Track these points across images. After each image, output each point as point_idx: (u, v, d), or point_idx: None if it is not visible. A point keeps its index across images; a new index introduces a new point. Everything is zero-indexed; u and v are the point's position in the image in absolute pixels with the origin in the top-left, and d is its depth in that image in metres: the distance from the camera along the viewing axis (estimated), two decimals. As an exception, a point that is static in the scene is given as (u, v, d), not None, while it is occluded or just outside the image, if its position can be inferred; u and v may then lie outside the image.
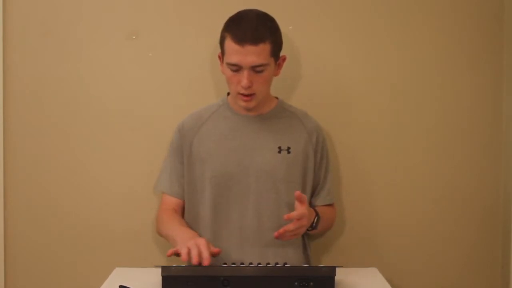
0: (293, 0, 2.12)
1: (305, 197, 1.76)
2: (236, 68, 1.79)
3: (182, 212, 1.99)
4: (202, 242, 1.65)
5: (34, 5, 2.10)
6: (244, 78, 1.78)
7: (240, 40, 1.76)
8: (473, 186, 2.17)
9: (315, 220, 1.85)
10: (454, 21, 2.14)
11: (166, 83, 2.13)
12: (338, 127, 2.12)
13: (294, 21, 2.10)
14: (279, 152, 1.90)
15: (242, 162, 1.88)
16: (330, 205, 2.01)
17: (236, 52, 1.77)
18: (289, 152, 1.90)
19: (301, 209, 1.71)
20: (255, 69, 1.78)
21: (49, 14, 2.11)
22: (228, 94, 1.98)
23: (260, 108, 1.93)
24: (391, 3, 2.13)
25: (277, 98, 2.00)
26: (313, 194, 1.98)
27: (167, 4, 2.12)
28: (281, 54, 1.88)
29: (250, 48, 1.76)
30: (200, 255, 1.60)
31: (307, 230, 1.84)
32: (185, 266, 1.57)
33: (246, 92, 1.81)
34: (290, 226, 1.70)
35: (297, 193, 1.72)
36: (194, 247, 1.62)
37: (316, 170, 1.96)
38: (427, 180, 2.16)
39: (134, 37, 2.11)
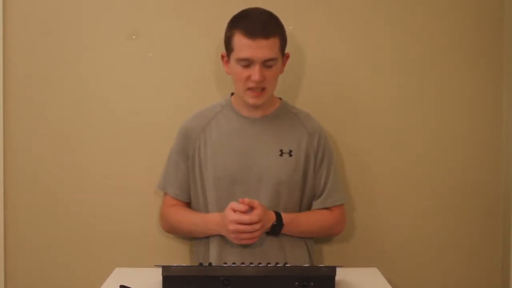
0: (293, 0, 2.12)
1: (252, 202, 1.77)
2: (247, 63, 1.79)
3: None
4: (232, 218, 1.76)
5: (34, 5, 2.10)
6: (256, 72, 1.78)
7: (252, 34, 1.76)
8: (473, 186, 2.17)
9: (273, 225, 1.84)
10: (454, 21, 2.15)
11: (166, 83, 2.13)
12: (338, 127, 2.12)
13: (294, 21, 2.10)
14: (281, 155, 1.90)
15: (245, 164, 1.88)
16: (333, 207, 1.98)
17: (248, 47, 1.76)
18: (290, 155, 1.90)
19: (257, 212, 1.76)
20: (266, 63, 1.79)
21: (49, 14, 2.11)
22: (232, 94, 1.98)
23: (264, 109, 1.93)
24: (391, 3, 2.13)
25: (280, 99, 2.00)
26: (314, 196, 1.97)
27: (167, 4, 2.12)
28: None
29: (261, 42, 1.76)
30: (246, 229, 1.75)
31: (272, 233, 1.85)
32: (186, 266, 1.57)
33: (257, 86, 1.81)
34: (245, 229, 1.76)
35: (240, 200, 1.77)
36: (237, 232, 1.76)
37: (316, 172, 1.95)
38: (428, 180, 2.16)
39: (134, 37, 2.11)
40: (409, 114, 2.15)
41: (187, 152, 1.95)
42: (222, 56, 1.90)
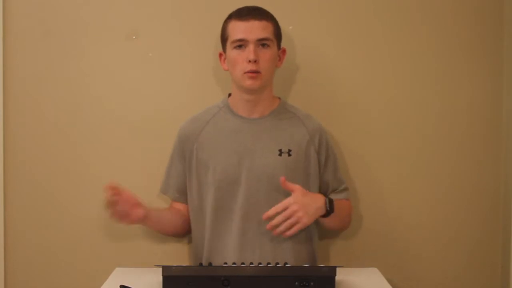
0: (293, 0, 2.12)
1: (290, 185, 1.78)
2: (241, 44, 1.82)
3: (186, 213, 2.00)
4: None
5: (34, 5, 2.10)
6: (250, 52, 1.81)
7: (245, 16, 1.82)
8: (473, 186, 2.17)
9: (327, 204, 1.83)
10: (454, 21, 2.14)
11: (166, 83, 2.12)
12: (338, 127, 2.12)
13: (293, 21, 2.10)
14: (280, 154, 1.89)
15: (244, 165, 1.88)
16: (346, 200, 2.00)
17: (241, 28, 1.82)
18: (289, 155, 1.90)
19: (289, 198, 1.75)
20: (261, 42, 1.82)
21: (49, 14, 2.11)
22: (229, 95, 1.98)
23: (262, 109, 1.93)
24: (391, 3, 2.13)
25: (279, 98, 2.00)
26: (325, 193, 1.95)
27: (167, 4, 2.12)
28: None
29: (254, 23, 1.81)
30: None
31: (324, 216, 1.84)
32: (186, 266, 1.58)
33: (252, 68, 1.81)
34: (278, 219, 1.76)
35: (281, 179, 1.76)
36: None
37: (322, 172, 1.95)
38: (427, 180, 2.16)
39: (134, 37, 2.11)
40: (408, 114, 2.15)
41: (185, 155, 1.95)
42: (220, 55, 1.92)
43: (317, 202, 1.82)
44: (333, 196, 1.95)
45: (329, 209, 1.83)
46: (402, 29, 2.14)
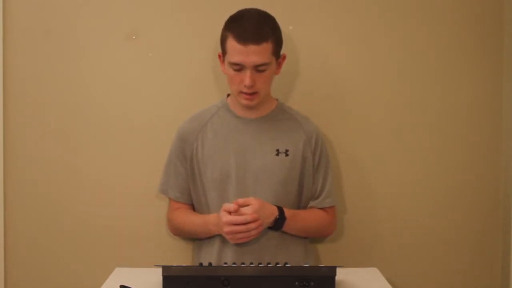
0: (293, 0, 2.12)
1: (248, 201, 1.78)
2: (239, 68, 1.80)
3: None
4: (226, 220, 1.75)
5: (34, 5, 2.10)
6: (246, 77, 1.79)
7: (243, 39, 1.77)
8: (473, 186, 2.17)
9: (276, 219, 1.83)
10: (454, 21, 2.14)
11: (166, 83, 2.13)
12: (337, 128, 2.12)
13: (293, 22, 2.10)
14: (277, 154, 1.90)
15: (241, 164, 1.89)
16: (327, 209, 1.97)
17: (239, 52, 1.78)
18: (287, 155, 1.90)
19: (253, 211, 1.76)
20: (258, 68, 1.80)
21: (49, 13, 2.11)
22: (228, 95, 1.98)
23: (260, 109, 1.93)
24: (391, 3, 2.13)
25: (277, 99, 2.00)
26: (312, 196, 1.97)
27: (167, 4, 2.12)
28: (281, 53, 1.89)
29: (252, 48, 1.77)
30: (240, 230, 1.75)
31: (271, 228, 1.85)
32: (186, 266, 1.57)
33: (248, 91, 1.81)
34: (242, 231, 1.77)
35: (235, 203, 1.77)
36: (232, 233, 1.76)
37: (314, 173, 1.95)
38: (427, 180, 2.16)
39: (134, 37, 2.11)
40: (408, 114, 2.15)
41: (185, 154, 1.95)
42: (219, 56, 1.92)
43: (270, 217, 1.82)
44: (318, 200, 1.95)
45: (277, 225, 1.84)
46: (402, 29, 2.14)
